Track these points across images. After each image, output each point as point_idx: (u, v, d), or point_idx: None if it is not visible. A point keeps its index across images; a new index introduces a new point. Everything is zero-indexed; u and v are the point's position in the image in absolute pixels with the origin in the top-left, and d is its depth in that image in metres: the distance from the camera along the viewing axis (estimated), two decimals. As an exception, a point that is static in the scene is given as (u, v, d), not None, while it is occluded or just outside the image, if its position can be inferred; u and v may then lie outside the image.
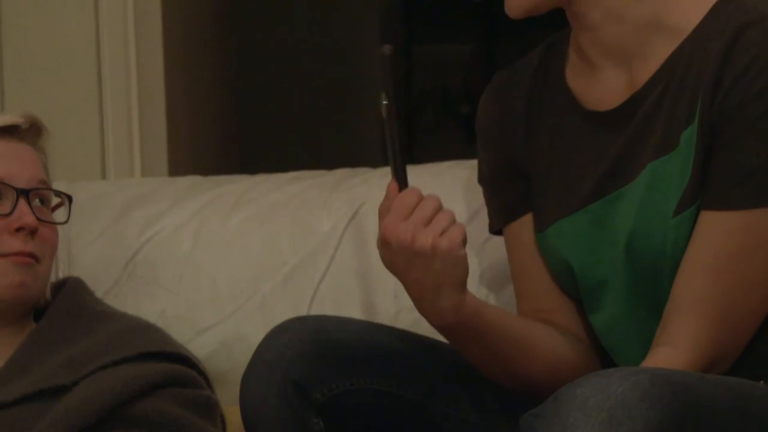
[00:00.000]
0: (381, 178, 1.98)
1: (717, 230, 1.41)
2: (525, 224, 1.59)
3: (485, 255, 1.84)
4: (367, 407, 1.50)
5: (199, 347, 1.86)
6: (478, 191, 1.89)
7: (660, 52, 1.47)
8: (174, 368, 1.68)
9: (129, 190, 2.05)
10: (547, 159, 1.57)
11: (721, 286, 1.42)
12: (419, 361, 1.54)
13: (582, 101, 1.54)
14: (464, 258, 1.42)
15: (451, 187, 1.90)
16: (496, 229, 1.65)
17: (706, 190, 1.42)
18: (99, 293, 1.88)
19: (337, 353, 1.49)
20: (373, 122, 5.61)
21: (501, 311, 1.54)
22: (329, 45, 5.54)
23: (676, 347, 1.42)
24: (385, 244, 1.43)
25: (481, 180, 1.67)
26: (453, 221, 1.42)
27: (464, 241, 1.42)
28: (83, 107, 2.70)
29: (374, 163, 2.17)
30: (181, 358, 1.72)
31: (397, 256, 1.42)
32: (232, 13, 3.95)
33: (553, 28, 1.63)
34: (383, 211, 1.44)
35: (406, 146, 1.48)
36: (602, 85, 1.52)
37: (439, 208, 1.42)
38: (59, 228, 1.79)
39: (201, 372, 1.74)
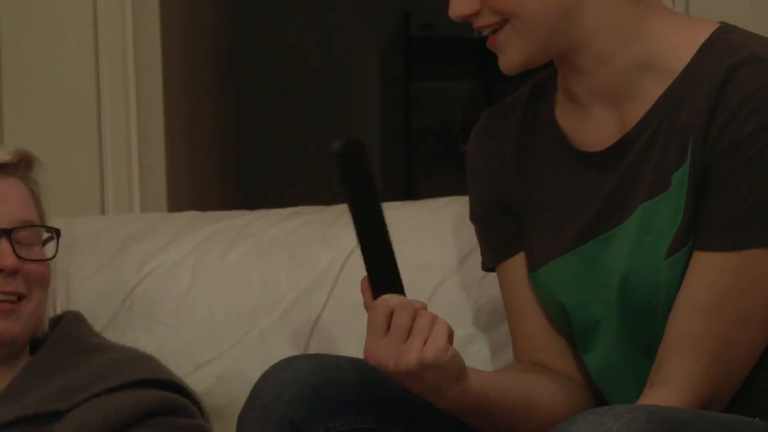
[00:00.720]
0: (379, 213, 1.98)
1: (710, 271, 1.41)
2: (518, 262, 1.59)
3: (483, 291, 1.83)
4: None
5: (197, 382, 1.85)
6: (477, 227, 1.89)
7: (650, 92, 1.46)
8: (167, 396, 1.68)
9: (128, 226, 2.05)
10: (539, 198, 1.56)
11: (714, 325, 1.41)
12: (415, 401, 1.53)
13: (573, 141, 1.53)
14: (454, 357, 1.38)
15: (450, 222, 1.91)
16: (488, 267, 1.64)
17: (699, 231, 1.41)
18: (97, 328, 1.88)
19: (334, 393, 1.48)
20: (373, 158, 5.62)
21: (504, 383, 1.51)
22: (329, 82, 5.56)
23: (670, 387, 1.42)
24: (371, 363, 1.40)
25: (473, 218, 1.66)
26: (432, 323, 1.37)
27: (450, 338, 1.38)
28: (82, 143, 2.71)
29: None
30: (175, 386, 1.72)
31: (386, 374, 1.40)
32: (231, 49, 3.97)
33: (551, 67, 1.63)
34: (366, 306, 1.41)
35: (386, 240, 1.39)
36: (593, 126, 1.51)
37: (415, 314, 1.37)
38: (57, 262, 1.79)
39: (195, 402, 1.74)
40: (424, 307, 1.39)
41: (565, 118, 1.55)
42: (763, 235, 1.38)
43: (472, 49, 5.58)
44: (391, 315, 1.38)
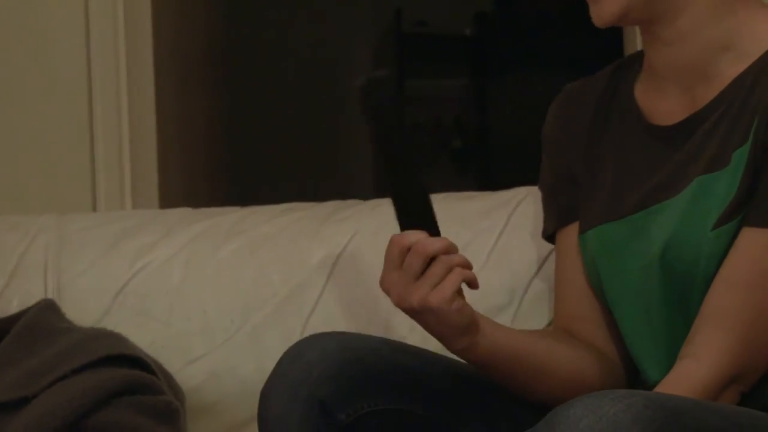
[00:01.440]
0: (372, 210, 1.97)
1: (756, 247, 1.42)
2: (573, 230, 1.61)
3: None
4: (390, 428, 1.49)
5: (188, 378, 1.85)
6: (469, 224, 1.89)
7: (725, 73, 1.49)
8: (131, 375, 1.67)
9: (119, 222, 2.04)
10: (603, 165, 1.58)
11: (751, 302, 1.42)
12: (440, 382, 1.53)
13: (646, 114, 1.56)
14: (460, 310, 1.41)
15: (443, 219, 1.90)
16: (548, 233, 1.66)
17: (751, 207, 1.43)
18: (89, 324, 1.88)
19: (362, 373, 1.47)
20: (365, 156, 5.61)
21: (523, 344, 1.52)
22: (322, 79, 5.55)
23: (699, 360, 1.43)
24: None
25: (541, 186, 1.68)
26: (447, 270, 1.40)
27: (474, 283, 1.41)
28: (74, 139, 2.70)
29: (366, 196, 2.16)
30: (141, 362, 1.71)
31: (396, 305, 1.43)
32: (224, 45, 3.96)
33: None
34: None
35: (408, 179, 1.40)
36: (666, 101, 1.53)
37: (430, 256, 1.39)
38: (50, 258, 1.79)
39: (159, 378, 1.73)
40: (448, 251, 1.40)
41: (643, 92, 1.57)
42: None
43: (465, 45, 5.57)
44: (406, 252, 1.39)
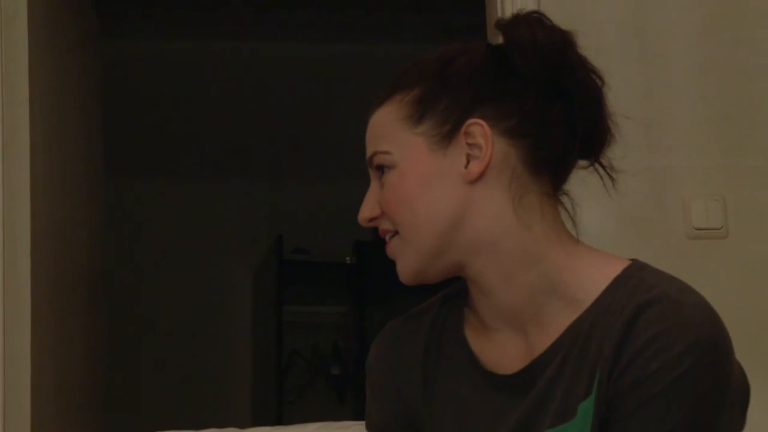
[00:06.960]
0: (248, 439, 1.96)
1: None
2: None
3: None
4: None
5: None
6: (346, 453, 1.88)
7: (558, 320, 1.45)
8: None
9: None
10: (444, 414, 1.53)
11: None
12: None
13: (482, 360, 1.52)
14: None
15: (319, 449, 1.90)
16: None
17: None
18: None
19: None
20: (242, 382, 5.57)
21: None
22: (203, 309, 5.54)
23: None
24: None
25: (371, 428, 1.61)
26: None
27: None
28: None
29: (242, 424, 2.15)
30: None
31: None
32: (103, 272, 3.96)
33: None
34: None
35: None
36: (500, 348, 1.50)
37: None
38: None
39: None
40: None
41: (474, 336, 1.53)
42: None
43: (343, 273, 5.62)
44: None
